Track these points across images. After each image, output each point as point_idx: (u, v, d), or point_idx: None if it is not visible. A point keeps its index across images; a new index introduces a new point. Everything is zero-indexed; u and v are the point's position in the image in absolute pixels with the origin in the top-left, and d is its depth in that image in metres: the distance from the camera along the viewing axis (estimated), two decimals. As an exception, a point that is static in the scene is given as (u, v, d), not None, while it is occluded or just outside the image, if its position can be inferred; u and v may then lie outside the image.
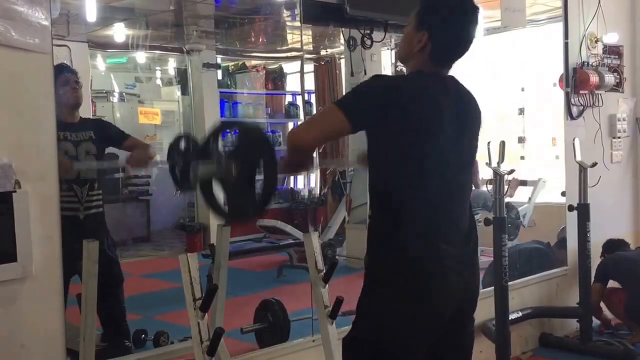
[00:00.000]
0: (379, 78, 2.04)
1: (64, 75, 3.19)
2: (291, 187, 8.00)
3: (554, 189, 5.39)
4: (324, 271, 2.64)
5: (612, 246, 4.64)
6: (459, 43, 2.03)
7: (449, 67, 2.07)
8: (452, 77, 2.09)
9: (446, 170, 1.98)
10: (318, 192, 7.05)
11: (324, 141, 2.28)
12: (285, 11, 4.69)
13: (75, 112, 3.31)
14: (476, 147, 2.16)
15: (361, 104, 1.94)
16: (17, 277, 2.18)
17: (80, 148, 3.20)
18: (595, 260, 4.48)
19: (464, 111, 2.05)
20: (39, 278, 2.23)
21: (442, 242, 1.96)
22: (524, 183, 6.07)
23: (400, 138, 1.92)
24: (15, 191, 2.16)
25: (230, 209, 2.26)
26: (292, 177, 7.88)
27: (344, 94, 2.12)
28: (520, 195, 6.05)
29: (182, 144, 3.57)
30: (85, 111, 5.73)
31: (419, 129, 1.93)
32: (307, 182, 7.01)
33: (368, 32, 3.48)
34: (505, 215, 3.77)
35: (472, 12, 2.01)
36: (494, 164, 3.70)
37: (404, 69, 2.19)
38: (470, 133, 2.09)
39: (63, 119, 3.11)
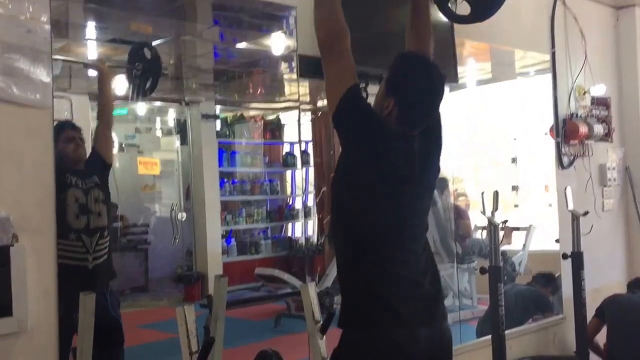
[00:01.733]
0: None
1: (67, 132, 3.18)
2: (289, 236, 7.96)
3: (548, 235, 5.37)
4: (321, 322, 2.60)
5: (634, 284, 4.58)
6: (425, 110, 2.05)
7: (417, 130, 2.08)
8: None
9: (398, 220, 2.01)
10: (315, 240, 7.01)
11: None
12: (283, 64, 4.74)
13: (80, 164, 3.30)
14: (433, 186, 2.20)
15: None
16: (12, 332, 2.13)
17: (90, 196, 3.18)
18: (591, 308, 4.43)
19: (425, 159, 2.08)
20: (34, 332, 2.19)
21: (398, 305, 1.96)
22: (515, 229, 6.05)
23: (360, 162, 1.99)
24: (12, 245, 2.13)
25: None
26: (289, 226, 7.86)
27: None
28: (514, 242, 6.03)
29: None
30: (85, 161, 5.76)
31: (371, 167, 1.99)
32: (304, 231, 6.98)
33: (363, 85, 3.49)
34: (501, 265, 3.75)
35: (438, 80, 2.04)
36: (488, 214, 3.69)
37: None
38: (428, 177, 2.13)
39: (71, 166, 3.12)
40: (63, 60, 3.24)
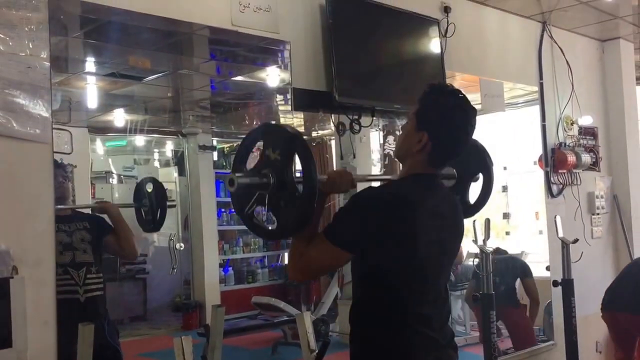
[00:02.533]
0: (365, 197, 1.89)
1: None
2: (286, 264, 7.92)
3: (538, 263, 5.37)
4: (317, 351, 2.58)
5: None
6: (458, 143, 1.97)
7: (445, 167, 2.05)
8: (442, 184, 2.08)
9: (428, 278, 1.92)
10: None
11: (326, 272, 2.08)
12: (278, 96, 4.77)
13: (65, 203, 3.29)
14: (456, 254, 2.11)
15: (353, 230, 1.83)
16: (11, 363, 2.12)
17: (74, 236, 3.18)
18: (582, 335, 4.40)
19: (451, 219, 2.00)
20: (33, 364, 2.17)
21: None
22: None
23: (390, 251, 1.84)
24: (12, 277, 2.13)
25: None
26: (286, 255, 7.81)
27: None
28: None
29: (149, 187, 3.61)
30: (85, 192, 5.76)
31: (407, 241, 1.85)
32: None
33: (356, 117, 3.52)
34: (493, 292, 3.73)
35: (471, 113, 1.95)
36: (480, 242, 3.69)
37: (391, 148, 2.16)
38: (454, 239, 2.04)
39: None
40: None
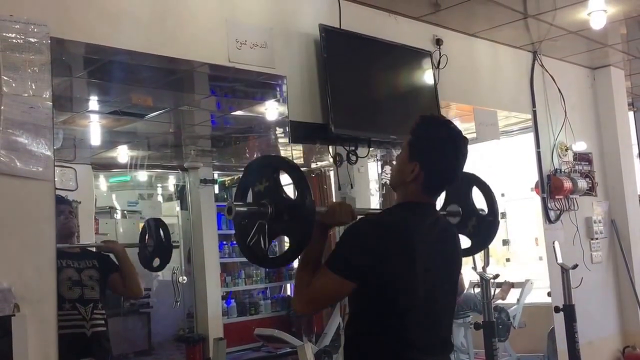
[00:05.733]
0: (359, 226, 1.91)
1: (58, 207, 3.19)
2: (288, 295, 7.87)
3: (540, 289, 5.34)
4: (319, 382, 2.57)
5: None
6: (450, 173, 1.99)
7: (439, 195, 2.07)
8: (438, 212, 2.09)
9: (430, 308, 1.91)
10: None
11: (332, 303, 2.06)
12: (277, 129, 4.80)
13: (70, 240, 3.30)
14: (457, 282, 2.11)
15: (354, 259, 1.84)
16: (13, 401, 2.10)
17: (83, 274, 3.19)
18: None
19: (448, 248, 2.02)
20: (34, 401, 2.15)
21: None
22: (511, 285, 6.00)
23: (388, 283, 1.84)
24: (14, 315, 2.12)
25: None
26: (288, 286, 7.77)
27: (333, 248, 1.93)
28: (509, 296, 5.97)
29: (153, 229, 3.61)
30: (89, 228, 5.75)
31: (405, 273, 1.85)
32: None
33: (353, 148, 3.55)
34: (495, 319, 3.71)
35: (461, 142, 1.98)
36: (479, 269, 3.68)
37: (388, 177, 2.17)
38: (452, 268, 2.05)
39: (64, 249, 3.12)
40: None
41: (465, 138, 2.00)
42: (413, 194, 1.97)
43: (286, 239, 1.99)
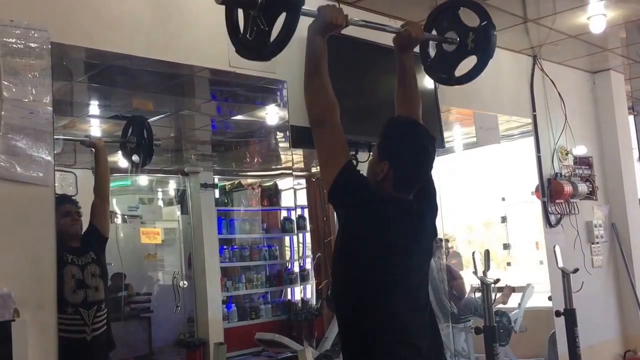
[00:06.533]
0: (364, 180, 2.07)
1: (65, 207, 3.17)
2: (289, 299, 7.85)
3: (540, 293, 5.33)
4: (320, 387, 2.55)
5: None
6: (419, 170, 2.07)
7: (412, 192, 2.09)
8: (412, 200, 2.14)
9: (405, 285, 2.00)
10: (314, 303, 6.92)
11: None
12: (278, 133, 4.80)
13: (76, 242, 3.29)
14: (434, 236, 2.23)
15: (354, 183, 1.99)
16: (12, 407, 2.09)
17: (86, 271, 3.16)
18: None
19: (421, 224, 2.09)
20: (34, 407, 2.14)
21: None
22: (512, 289, 5.98)
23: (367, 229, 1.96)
24: (14, 320, 2.11)
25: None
26: (289, 290, 7.76)
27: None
28: (510, 301, 5.95)
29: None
30: (89, 233, 5.74)
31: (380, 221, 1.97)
32: (303, 294, 6.89)
33: (353, 152, 3.54)
34: (496, 324, 3.70)
35: (426, 140, 2.07)
36: (480, 273, 3.67)
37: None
38: (425, 241, 2.13)
39: (67, 244, 3.10)
40: (64, 139, 3.30)
41: (432, 136, 2.09)
42: (387, 191, 2.04)
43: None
